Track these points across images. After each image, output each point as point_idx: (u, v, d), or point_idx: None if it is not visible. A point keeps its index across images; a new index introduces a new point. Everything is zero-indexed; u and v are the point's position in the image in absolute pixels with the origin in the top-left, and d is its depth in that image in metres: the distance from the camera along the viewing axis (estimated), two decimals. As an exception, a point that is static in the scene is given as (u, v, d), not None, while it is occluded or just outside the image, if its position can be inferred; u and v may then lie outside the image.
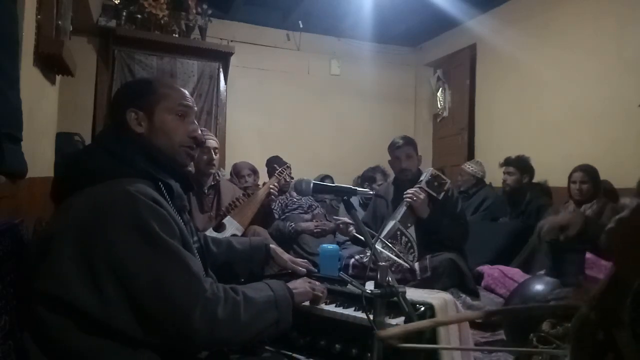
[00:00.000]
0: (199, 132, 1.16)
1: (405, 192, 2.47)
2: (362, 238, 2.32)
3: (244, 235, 2.50)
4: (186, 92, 1.16)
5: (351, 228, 2.47)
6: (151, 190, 1.00)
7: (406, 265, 2.30)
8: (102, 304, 0.89)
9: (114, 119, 1.12)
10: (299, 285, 1.23)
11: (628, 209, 0.46)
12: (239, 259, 1.44)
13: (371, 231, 1.44)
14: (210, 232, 2.40)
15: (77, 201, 0.97)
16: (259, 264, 1.48)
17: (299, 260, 1.56)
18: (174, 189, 1.08)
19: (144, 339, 0.92)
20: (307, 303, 1.28)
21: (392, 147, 2.66)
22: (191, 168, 2.24)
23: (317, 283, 1.31)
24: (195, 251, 1.09)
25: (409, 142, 2.65)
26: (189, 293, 0.92)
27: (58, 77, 2.25)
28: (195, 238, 1.21)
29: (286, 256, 1.53)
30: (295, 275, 1.45)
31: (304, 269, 1.50)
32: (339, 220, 2.53)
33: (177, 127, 1.11)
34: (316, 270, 1.58)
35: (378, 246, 2.24)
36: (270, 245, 1.51)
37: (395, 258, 2.26)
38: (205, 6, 4.49)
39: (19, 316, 0.95)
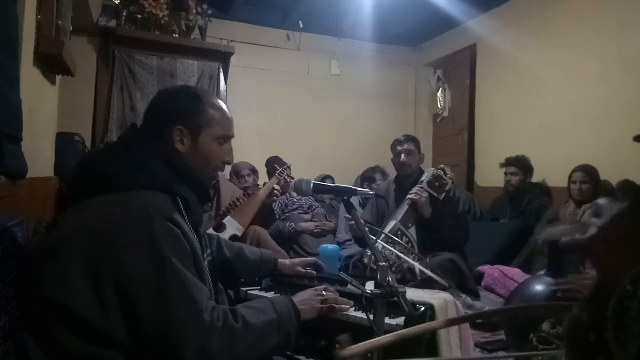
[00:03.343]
0: (232, 156, 1.19)
1: (410, 192, 2.48)
2: (372, 237, 2.31)
3: (244, 235, 2.50)
4: (232, 118, 1.17)
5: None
6: (168, 205, 0.98)
7: (410, 263, 2.30)
8: (102, 314, 0.89)
9: (153, 124, 1.10)
10: (306, 301, 1.15)
11: (607, 215, 0.46)
12: (248, 268, 1.46)
13: (375, 227, 1.44)
14: (210, 232, 2.40)
15: (93, 207, 0.96)
16: (264, 275, 1.53)
17: (306, 260, 1.58)
18: (191, 203, 1.05)
19: (138, 356, 0.91)
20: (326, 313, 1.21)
21: (394, 143, 2.71)
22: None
23: (328, 293, 1.22)
24: (206, 269, 1.07)
25: (411, 138, 2.69)
26: (186, 321, 0.90)
27: (58, 77, 2.24)
28: (209, 251, 1.20)
29: (293, 263, 1.55)
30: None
31: (313, 272, 1.52)
32: (352, 221, 2.53)
33: (217, 153, 1.13)
34: (324, 267, 1.58)
35: (382, 243, 2.24)
36: (279, 260, 1.53)
37: (398, 254, 2.26)
38: (205, 6, 4.48)
39: (19, 316, 0.95)
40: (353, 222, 2.47)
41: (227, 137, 1.15)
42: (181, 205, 1.03)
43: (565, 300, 1.32)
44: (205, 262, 1.09)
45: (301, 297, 1.16)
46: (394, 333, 0.59)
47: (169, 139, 1.08)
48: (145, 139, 1.07)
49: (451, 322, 0.97)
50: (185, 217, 1.03)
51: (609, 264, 0.45)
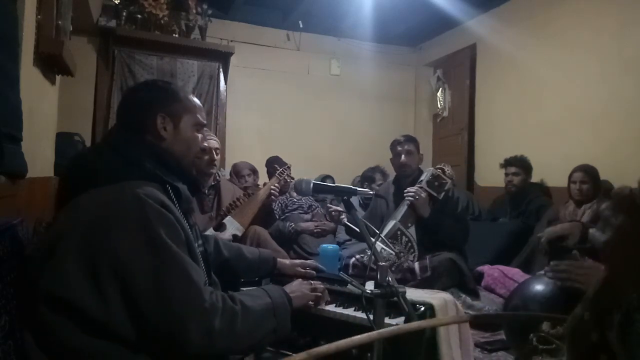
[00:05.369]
0: (206, 144, 1.22)
1: (406, 191, 2.47)
2: (354, 227, 2.32)
3: (244, 235, 2.49)
4: (202, 106, 1.23)
5: (342, 216, 2.47)
6: (159, 193, 1.00)
7: (405, 262, 2.30)
8: (102, 305, 0.89)
9: (132, 119, 1.13)
10: (296, 288, 1.24)
11: (624, 218, 0.46)
12: (247, 268, 1.48)
13: (373, 227, 1.45)
14: (210, 232, 2.40)
15: (85, 202, 0.97)
16: (264, 275, 1.54)
17: (306, 262, 1.59)
18: (182, 192, 1.08)
19: (141, 343, 0.91)
20: (310, 303, 1.28)
21: (394, 144, 2.69)
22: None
23: (316, 283, 1.32)
24: (200, 256, 1.08)
25: (410, 139, 2.68)
26: (187, 303, 0.91)
27: (58, 77, 2.24)
28: (200, 242, 1.21)
29: (292, 263, 1.56)
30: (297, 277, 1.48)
31: (313, 272, 1.53)
32: (331, 207, 2.54)
33: (195, 139, 1.18)
34: (324, 269, 1.59)
35: (380, 244, 2.24)
36: (278, 260, 1.55)
37: (387, 249, 2.26)
38: (205, 6, 4.49)
39: (19, 316, 0.95)
40: (332, 210, 2.49)
41: (202, 125, 1.20)
42: (172, 194, 1.05)
43: (561, 285, 1.32)
44: (198, 252, 1.10)
45: (291, 286, 1.24)
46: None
47: (152, 128, 1.11)
48: (130, 135, 1.10)
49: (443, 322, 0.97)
50: (177, 205, 1.04)
51: (618, 268, 0.45)
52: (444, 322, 1.06)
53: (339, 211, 2.48)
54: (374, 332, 0.52)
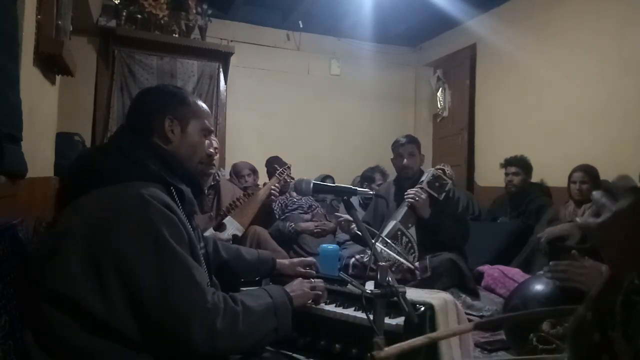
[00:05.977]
0: (212, 149, 1.22)
1: (406, 192, 2.47)
2: (364, 237, 2.32)
3: (244, 235, 2.50)
4: (210, 113, 1.25)
5: (353, 225, 2.47)
6: (163, 194, 1.00)
7: (408, 264, 2.30)
8: (105, 304, 0.89)
9: (140, 121, 1.13)
10: (297, 287, 1.24)
11: (625, 201, 0.46)
12: (246, 269, 1.49)
13: (373, 229, 1.45)
14: (210, 232, 2.40)
15: (88, 201, 0.97)
16: (264, 275, 1.55)
17: (305, 259, 1.59)
18: (185, 194, 1.09)
19: (143, 343, 0.92)
20: (309, 302, 1.29)
21: (396, 145, 2.67)
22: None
23: (315, 281, 1.33)
24: (202, 258, 1.09)
25: (413, 140, 2.67)
26: (190, 303, 0.92)
27: (58, 77, 2.24)
28: (202, 244, 1.22)
29: (292, 263, 1.57)
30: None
31: (312, 272, 1.53)
32: (340, 217, 2.54)
33: (201, 144, 1.19)
34: (318, 269, 1.60)
35: (380, 245, 2.24)
36: (278, 260, 1.56)
37: (397, 256, 2.26)
38: (205, 6, 4.49)
39: (20, 316, 0.95)
40: (342, 220, 2.49)
41: (209, 131, 1.22)
42: (175, 196, 1.05)
43: (560, 284, 1.33)
44: (201, 253, 1.10)
45: (292, 285, 1.25)
46: (426, 335, 0.62)
47: (159, 130, 1.12)
48: (135, 137, 1.10)
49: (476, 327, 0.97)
50: (180, 207, 1.05)
51: (619, 256, 0.45)
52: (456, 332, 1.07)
53: (349, 221, 2.47)
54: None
